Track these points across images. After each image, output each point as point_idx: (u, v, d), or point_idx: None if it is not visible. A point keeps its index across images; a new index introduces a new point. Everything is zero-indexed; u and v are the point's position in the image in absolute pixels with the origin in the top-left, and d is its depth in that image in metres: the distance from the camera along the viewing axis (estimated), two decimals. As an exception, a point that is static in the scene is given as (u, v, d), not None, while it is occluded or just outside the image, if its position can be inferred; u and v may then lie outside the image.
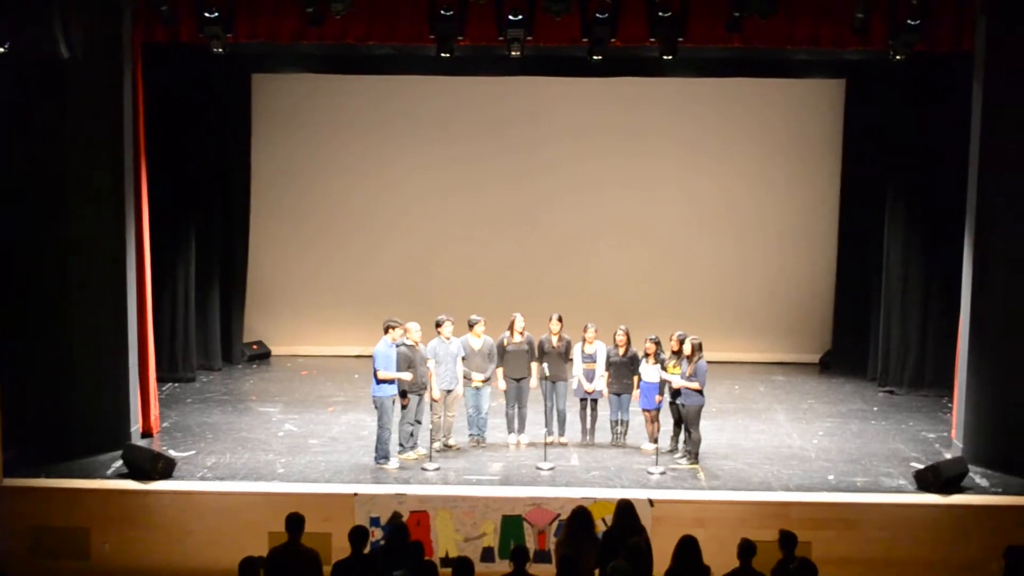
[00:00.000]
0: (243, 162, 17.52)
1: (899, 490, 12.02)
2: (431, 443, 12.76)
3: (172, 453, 12.73)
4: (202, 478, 12.14)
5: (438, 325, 13.04)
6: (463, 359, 13.12)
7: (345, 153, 17.82)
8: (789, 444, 13.64)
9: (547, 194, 17.88)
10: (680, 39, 12.83)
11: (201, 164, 16.55)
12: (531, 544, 11.48)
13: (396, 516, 11.20)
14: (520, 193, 17.89)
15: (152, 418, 13.63)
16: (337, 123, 17.77)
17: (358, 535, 9.03)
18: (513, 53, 12.85)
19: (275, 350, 18.14)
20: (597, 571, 9.20)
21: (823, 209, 17.70)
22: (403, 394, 12.68)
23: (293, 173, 17.92)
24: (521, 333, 13.35)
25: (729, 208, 17.83)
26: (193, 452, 13.00)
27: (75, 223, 12.81)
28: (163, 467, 12.03)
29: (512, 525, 11.55)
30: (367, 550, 9.07)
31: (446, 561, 11.10)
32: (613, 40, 12.87)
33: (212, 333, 17.05)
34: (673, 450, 13.06)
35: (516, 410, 13.50)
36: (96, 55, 12.58)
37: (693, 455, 12.71)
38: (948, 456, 12.93)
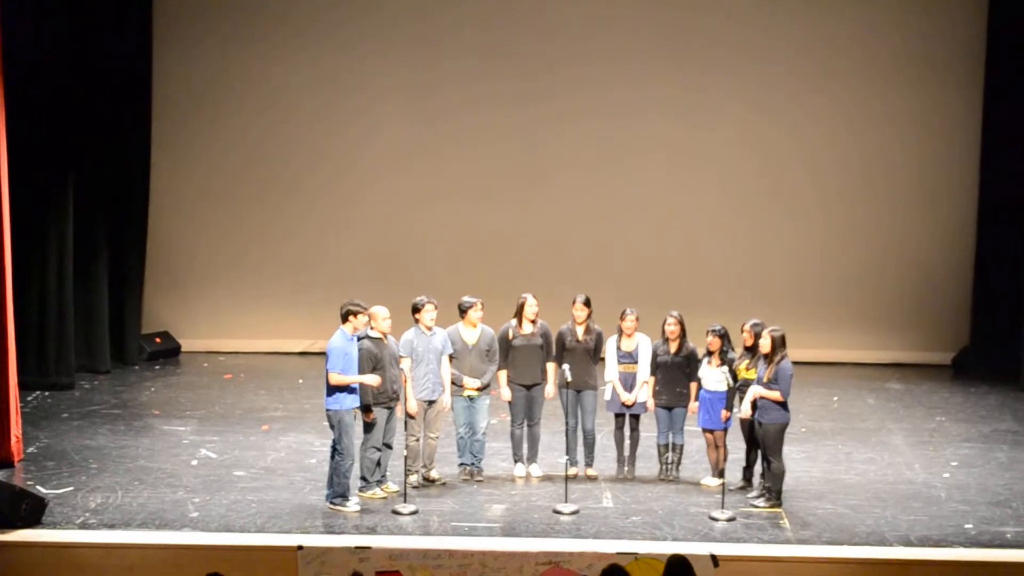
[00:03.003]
0: (141, 87, 17.51)
1: (1065, 544, 12.07)
2: (406, 476, 12.71)
3: (41, 490, 12.67)
4: (83, 525, 12.07)
5: (416, 310, 12.99)
6: (451, 358, 13.10)
7: (287, 76, 17.86)
8: (910, 479, 13.63)
9: (567, 136, 17.94)
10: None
11: (82, 89, 16.47)
12: (546, 617, 11.53)
13: (357, 578, 11.17)
14: (530, 134, 17.95)
15: (12, 441, 13.61)
16: (276, 33, 17.82)
17: (303, 603, 8.96)
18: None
19: (186, 345, 18.28)
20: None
21: (956, 158, 17.74)
22: (366, 408, 12.62)
23: (212, 104, 17.95)
24: (533, 322, 13.29)
25: (820, 156, 17.91)
26: (71, 488, 12.97)
27: None
28: (28, 510, 11.95)
29: (520, 591, 11.58)
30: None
31: (427, 640, 11.13)
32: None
33: (98, 323, 17.13)
34: (745, 486, 13.06)
35: (525, 430, 13.48)
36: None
37: (774, 493, 12.66)
38: None
